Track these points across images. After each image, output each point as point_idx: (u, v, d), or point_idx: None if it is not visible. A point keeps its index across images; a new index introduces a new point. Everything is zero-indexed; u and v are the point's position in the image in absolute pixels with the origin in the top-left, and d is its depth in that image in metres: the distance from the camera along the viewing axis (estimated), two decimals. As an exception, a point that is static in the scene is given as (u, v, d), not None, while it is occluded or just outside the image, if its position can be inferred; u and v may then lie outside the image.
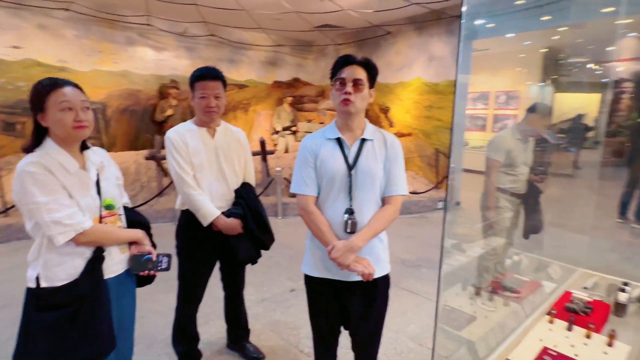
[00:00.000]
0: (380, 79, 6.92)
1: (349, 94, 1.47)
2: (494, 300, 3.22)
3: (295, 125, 8.20)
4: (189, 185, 1.94)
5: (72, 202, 1.38)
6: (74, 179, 1.41)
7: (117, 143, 6.70)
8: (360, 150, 1.54)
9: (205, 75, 1.93)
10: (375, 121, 7.58)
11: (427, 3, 5.53)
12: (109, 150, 6.41)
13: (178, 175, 1.94)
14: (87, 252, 1.43)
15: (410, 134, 6.92)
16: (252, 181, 2.20)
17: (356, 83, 1.48)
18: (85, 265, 1.42)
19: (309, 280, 1.65)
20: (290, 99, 8.22)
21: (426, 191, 6.06)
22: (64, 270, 1.38)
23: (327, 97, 8.66)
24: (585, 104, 9.87)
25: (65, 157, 1.42)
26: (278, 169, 5.46)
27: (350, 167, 1.53)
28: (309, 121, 8.20)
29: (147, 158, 5.48)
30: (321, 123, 7.64)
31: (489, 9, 5.76)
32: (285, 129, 8.12)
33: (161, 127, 7.06)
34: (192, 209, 1.97)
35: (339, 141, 1.56)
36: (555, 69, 9.32)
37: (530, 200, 3.17)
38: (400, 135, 7.15)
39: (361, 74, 1.49)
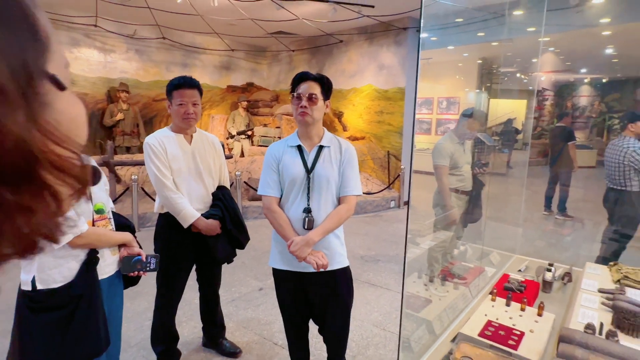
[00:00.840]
0: (334, 84, 7.23)
1: (305, 107, 1.69)
2: (446, 286, 3.60)
3: (250, 130, 8.26)
4: (169, 188, 2.03)
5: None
6: None
7: (62, 149, 6.34)
8: (318, 156, 1.74)
9: (183, 84, 2.05)
10: (330, 126, 7.87)
11: (377, 16, 5.92)
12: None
13: (158, 179, 2.03)
14: (81, 255, 1.50)
15: (364, 138, 7.29)
16: (227, 183, 2.32)
17: (311, 97, 1.70)
18: (80, 267, 1.49)
19: (276, 273, 1.85)
20: (245, 103, 8.27)
21: (379, 191, 6.43)
22: (59, 272, 1.44)
23: (282, 102, 8.82)
24: (515, 109, 10.94)
25: None
26: (237, 173, 5.53)
27: (308, 171, 1.73)
28: (265, 125, 8.30)
29: (100, 164, 5.29)
30: (277, 127, 7.78)
31: (434, 23, 6.27)
32: (240, 133, 8.14)
33: (110, 132, 6.81)
34: (172, 211, 2.05)
35: (299, 148, 1.76)
36: (489, 78, 10.28)
37: (473, 192, 3.58)
38: (353, 139, 7.50)
39: (316, 89, 1.72)
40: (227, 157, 6.00)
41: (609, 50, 8.22)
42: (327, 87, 1.76)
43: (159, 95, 7.52)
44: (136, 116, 6.92)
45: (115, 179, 5.47)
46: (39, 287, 1.41)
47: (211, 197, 2.19)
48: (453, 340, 2.33)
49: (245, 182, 5.69)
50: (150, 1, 5.25)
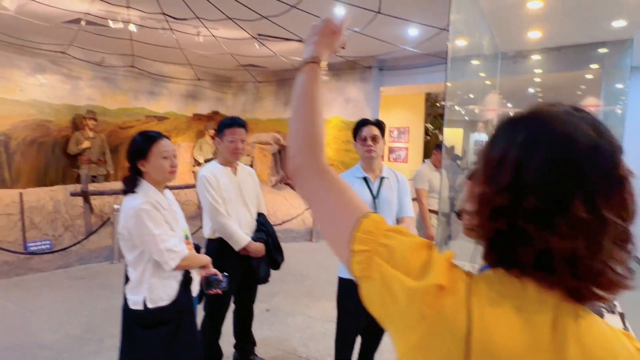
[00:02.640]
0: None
1: (371, 146, 2.11)
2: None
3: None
4: (224, 215, 2.27)
5: (173, 233, 1.66)
6: (168, 214, 1.70)
7: (22, 179, 5.99)
8: (381, 185, 2.17)
9: (234, 123, 2.35)
10: (298, 153, 8.26)
11: (347, 56, 6.54)
12: (12, 187, 5.75)
13: (213, 207, 2.26)
14: (179, 275, 1.71)
15: (332, 165, 7.75)
16: (264, 210, 2.59)
17: (375, 138, 2.13)
18: (179, 286, 1.69)
19: (342, 282, 2.17)
20: (212, 131, 8.38)
21: (350, 215, 6.89)
22: (164, 292, 1.64)
23: (249, 132, 9.06)
24: (455, 137, 12.20)
25: (159, 196, 1.71)
26: (220, 200, 5.66)
27: (374, 197, 2.15)
28: (232, 153, 8.45)
29: (75, 194, 5.12)
30: (247, 155, 7.99)
31: (393, 64, 7.04)
32: (207, 160, 8.21)
33: (75, 159, 6.56)
34: (225, 236, 2.28)
35: (365, 179, 2.17)
36: (433, 109, 11.39)
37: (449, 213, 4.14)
38: (321, 166, 7.94)
39: (376, 131, 2.14)
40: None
41: (532, 90, 9.71)
42: (382, 128, 2.17)
43: (125, 123, 7.41)
44: (103, 144, 6.75)
45: (90, 209, 5.31)
46: (149, 305, 1.59)
47: (255, 222, 2.45)
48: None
49: (226, 209, 5.81)
50: (130, 33, 5.35)
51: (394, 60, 7.13)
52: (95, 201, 5.80)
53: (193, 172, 8.47)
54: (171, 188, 5.87)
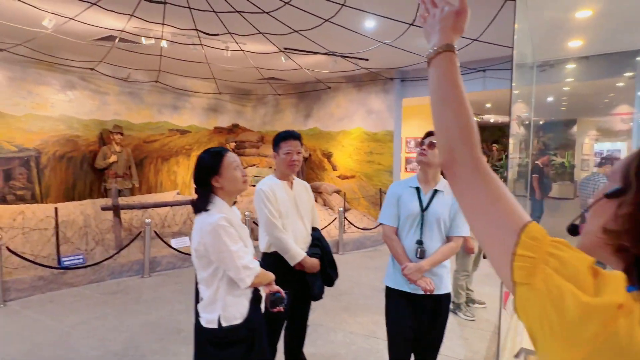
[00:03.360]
0: (322, 127, 7.78)
1: (425, 149, 2.07)
2: (472, 309, 3.98)
3: (239, 170, 8.38)
4: (280, 230, 2.23)
5: (247, 249, 1.63)
6: (241, 230, 1.67)
7: (52, 193, 6.06)
8: (432, 198, 2.10)
9: (289, 136, 2.34)
10: (319, 165, 8.25)
11: (371, 68, 6.56)
12: (41, 202, 5.82)
13: (270, 221, 2.23)
14: (249, 293, 1.67)
15: (354, 177, 7.73)
16: (318, 225, 2.55)
17: (432, 144, 2.08)
18: (250, 304, 1.65)
19: (389, 291, 2.14)
20: (233, 144, 8.45)
21: (375, 227, 6.81)
22: (237, 310, 1.60)
23: (267, 143, 9.09)
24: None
25: (231, 212, 1.68)
26: (247, 213, 5.64)
27: (422, 209, 2.09)
28: (252, 165, 8.48)
29: (106, 208, 5.15)
30: (269, 167, 8.00)
31: (415, 75, 7.03)
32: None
33: (101, 174, 6.63)
34: (281, 250, 2.24)
35: (417, 189, 2.12)
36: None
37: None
38: (343, 177, 7.91)
39: (435, 138, 2.10)
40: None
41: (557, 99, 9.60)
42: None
43: (149, 137, 7.49)
44: (129, 158, 6.82)
45: (120, 223, 5.32)
46: (224, 324, 1.55)
47: (310, 237, 2.41)
48: (516, 355, 2.67)
49: (254, 221, 5.78)
50: (160, 49, 5.43)
51: (415, 72, 7.12)
52: (124, 215, 5.83)
53: (214, 184, 8.50)
54: (189, 202, 5.85)
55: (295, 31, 4.53)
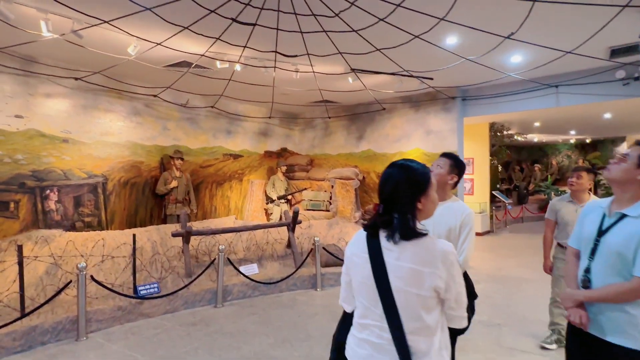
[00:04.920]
0: (376, 149, 7.56)
1: (611, 165, 1.77)
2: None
3: (291, 194, 8.23)
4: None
5: None
6: None
7: (116, 219, 6.01)
8: (615, 223, 1.71)
9: (442, 154, 2.23)
10: (374, 188, 8.01)
11: (437, 87, 6.38)
12: (106, 229, 5.75)
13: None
14: None
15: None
16: (461, 259, 2.21)
17: (620, 158, 1.75)
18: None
19: (569, 329, 1.84)
20: (284, 167, 8.33)
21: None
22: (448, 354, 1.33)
23: (316, 166, 8.96)
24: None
25: None
26: (317, 238, 5.40)
27: (598, 234, 1.74)
28: (304, 189, 8.31)
29: (177, 235, 5.01)
30: (325, 191, 7.81)
31: (476, 94, 6.77)
32: (280, 197, 8.08)
33: (161, 200, 6.57)
34: None
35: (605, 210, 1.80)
36: (496, 139, 10.93)
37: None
38: (401, 200, 7.62)
39: (632, 151, 1.77)
40: (298, 223, 5.88)
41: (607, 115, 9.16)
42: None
43: (205, 162, 7.46)
44: (188, 183, 6.77)
45: (188, 250, 5.17)
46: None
47: None
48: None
49: (324, 247, 5.54)
50: (232, 73, 5.41)
51: (476, 90, 6.91)
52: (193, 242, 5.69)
53: (265, 209, 8.35)
54: (262, 227, 5.64)
55: (378, 49, 4.41)
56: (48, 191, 5.20)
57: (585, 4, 3.28)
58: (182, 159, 6.61)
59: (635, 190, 1.71)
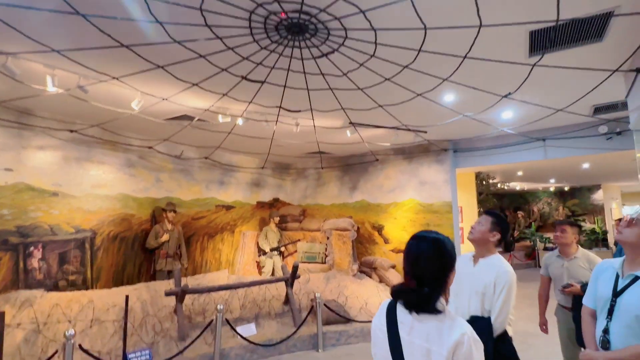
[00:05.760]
0: (370, 199, 7.56)
1: (622, 228, 1.87)
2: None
3: (284, 245, 8.02)
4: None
5: None
6: None
7: (102, 277, 5.64)
8: (630, 285, 1.77)
9: (485, 212, 2.27)
10: (369, 239, 7.92)
11: (432, 140, 6.57)
12: (91, 288, 5.38)
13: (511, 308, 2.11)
14: None
15: (409, 250, 7.35)
16: (494, 318, 2.10)
17: (630, 222, 1.85)
18: None
19: None
20: (277, 218, 8.18)
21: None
22: None
23: (309, 217, 8.85)
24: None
25: None
26: (318, 294, 5.18)
27: (614, 295, 1.80)
28: (297, 241, 8.12)
29: (171, 293, 4.71)
30: (321, 243, 7.65)
31: (467, 146, 6.92)
32: (273, 249, 7.86)
33: (150, 255, 6.25)
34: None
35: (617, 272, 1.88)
36: (483, 187, 11.19)
37: (574, 312, 3.22)
38: (397, 251, 7.53)
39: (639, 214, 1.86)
40: (296, 277, 5.65)
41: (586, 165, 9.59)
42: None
43: (197, 214, 7.26)
44: (180, 236, 6.52)
45: (182, 310, 4.84)
46: None
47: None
48: None
49: (325, 304, 5.30)
50: (224, 126, 5.43)
51: (467, 142, 7.15)
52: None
53: (257, 262, 8.07)
54: (260, 283, 5.39)
55: (380, 106, 4.54)
56: (32, 248, 4.88)
57: (580, 69, 3.52)
58: (174, 211, 6.41)
59: None
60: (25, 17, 2.73)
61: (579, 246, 3.29)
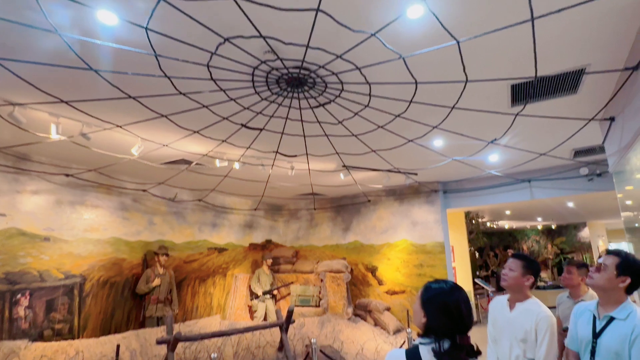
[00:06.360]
0: (363, 240, 7.62)
1: (592, 273, 2.00)
2: None
3: (276, 288, 7.89)
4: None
5: None
6: None
7: (90, 325, 5.44)
8: (606, 326, 1.90)
9: (512, 255, 2.33)
10: (362, 281, 7.86)
11: (423, 182, 6.76)
12: (78, 337, 5.19)
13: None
14: None
15: (404, 292, 7.31)
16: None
17: (599, 267, 2.00)
18: None
19: None
20: (270, 260, 8.11)
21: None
22: None
23: (301, 258, 8.79)
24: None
25: None
26: (314, 340, 5.07)
27: (594, 336, 1.92)
28: (290, 283, 8.01)
29: (162, 342, 4.55)
30: (314, 285, 7.56)
31: (456, 187, 7.11)
32: (266, 292, 7.72)
33: (140, 300, 6.09)
34: None
35: (594, 315, 2.00)
36: (473, 226, 11.35)
37: None
38: (392, 293, 7.47)
39: (608, 260, 1.99)
40: (292, 323, 5.54)
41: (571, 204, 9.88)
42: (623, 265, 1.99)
43: (189, 257, 7.17)
44: (171, 281, 6.38)
45: None
46: None
47: None
48: None
49: (321, 350, 5.17)
50: (220, 170, 5.53)
51: (456, 184, 7.37)
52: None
53: (249, 306, 7.89)
54: (254, 329, 5.27)
55: (373, 151, 4.73)
56: (19, 295, 4.73)
57: (559, 118, 3.78)
58: (167, 255, 6.32)
59: (618, 295, 1.94)
60: (37, 70, 2.87)
61: (589, 288, 3.22)
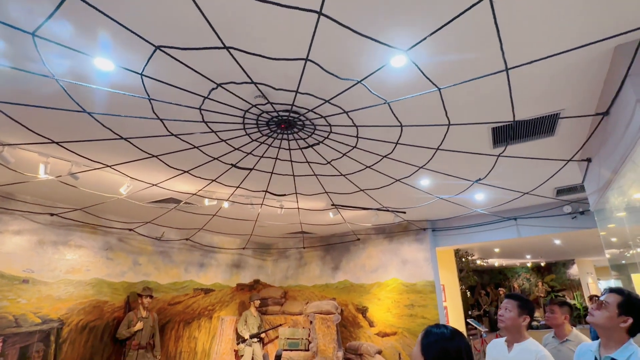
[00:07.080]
0: (353, 279, 7.54)
1: (593, 310, 1.97)
2: None
3: (264, 332, 7.62)
4: None
5: None
6: None
7: (65, 374, 5.13)
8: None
9: (507, 295, 2.34)
10: (353, 322, 7.66)
11: (412, 220, 6.81)
12: (51, 387, 4.85)
13: None
14: None
15: (395, 333, 7.12)
16: None
17: (600, 305, 1.98)
18: None
19: None
20: (258, 301, 7.88)
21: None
22: None
23: (290, 299, 8.58)
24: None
25: None
26: (302, 387, 4.85)
27: None
28: (279, 325, 7.75)
29: (142, 392, 4.31)
30: (304, 328, 7.32)
31: (444, 225, 7.19)
32: (253, 336, 7.43)
33: (120, 346, 5.80)
34: None
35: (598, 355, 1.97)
36: (459, 263, 11.31)
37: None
38: (383, 335, 7.27)
39: (609, 298, 1.98)
40: (279, 368, 5.31)
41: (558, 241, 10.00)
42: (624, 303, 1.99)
43: (174, 299, 6.94)
44: (154, 324, 6.12)
45: (153, 410, 4.39)
46: None
47: None
48: None
49: (310, 398, 4.93)
50: (209, 209, 5.52)
51: (444, 222, 7.43)
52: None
53: (236, 351, 7.56)
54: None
55: (362, 190, 4.79)
56: (-9, 343, 4.48)
57: (539, 159, 3.93)
58: (151, 297, 6.11)
59: (620, 335, 1.90)
60: (28, 111, 2.91)
61: (573, 327, 3.20)
